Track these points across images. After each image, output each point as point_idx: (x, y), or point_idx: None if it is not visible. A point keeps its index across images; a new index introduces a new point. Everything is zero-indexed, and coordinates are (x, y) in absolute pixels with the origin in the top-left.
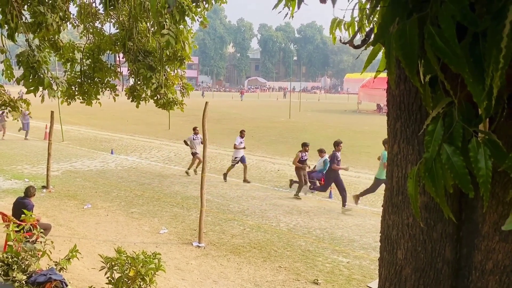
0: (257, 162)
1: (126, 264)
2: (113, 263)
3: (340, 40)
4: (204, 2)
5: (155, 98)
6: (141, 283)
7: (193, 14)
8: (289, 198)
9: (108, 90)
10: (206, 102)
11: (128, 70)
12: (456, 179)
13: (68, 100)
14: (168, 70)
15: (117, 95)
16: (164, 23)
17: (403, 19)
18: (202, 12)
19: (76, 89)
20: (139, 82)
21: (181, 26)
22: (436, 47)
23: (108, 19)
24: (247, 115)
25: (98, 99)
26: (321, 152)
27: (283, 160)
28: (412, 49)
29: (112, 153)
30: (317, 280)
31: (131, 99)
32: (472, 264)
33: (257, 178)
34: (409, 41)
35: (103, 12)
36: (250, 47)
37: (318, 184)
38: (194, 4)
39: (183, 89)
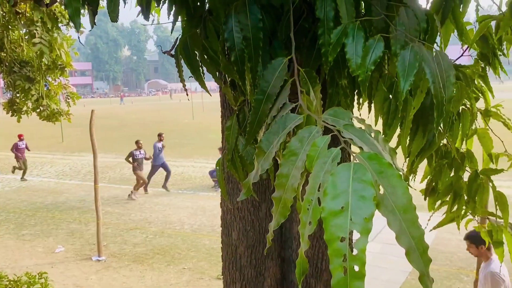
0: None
1: None
2: None
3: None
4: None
5: (38, 110)
6: None
7: (67, 21)
8: (193, 200)
9: None
10: (92, 110)
11: (4, 82)
12: (250, 165)
13: None
14: (50, 79)
15: None
16: (35, 31)
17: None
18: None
19: None
20: (17, 95)
21: (56, 34)
22: (209, 57)
23: None
24: (150, 119)
25: None
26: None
27: (187, 162)
28: (194, 58)
29: None
30: (220, 276)
31: (10, 113)
32: (292, 235)
33: (160, 183)
34: (191, 52)
35: None
36: (146, 49)
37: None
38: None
39: (68, 99)
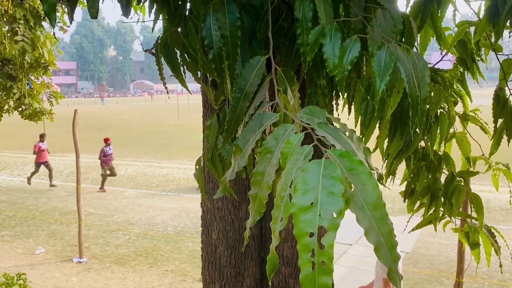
0: (144, 168)
1: None
2: None
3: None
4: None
5: (20, 109)
6: None
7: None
8: (177, 202)
9: None
10: (75, 110)
11: None
12: (230, 164)
13: None
14: (33, 78)
15: None
16: (17, 28)
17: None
18: (61, 17)
19: None
20: None
21: (39, 32)
22: (189, 56)
23: None
24: (134, 120)
25: None
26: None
27: (172, 164)
28: (175, 57)
29: None
30: None
31: None
32: None
33: (144, 185)
34: (171, 50)
35: None
36: (132, 49)
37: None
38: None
39: (51, 98)
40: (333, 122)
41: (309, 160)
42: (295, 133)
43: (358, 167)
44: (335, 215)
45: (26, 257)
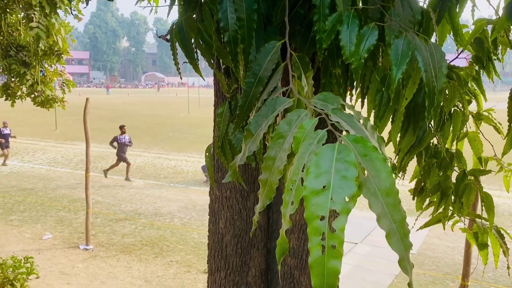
0: (153, 159)
1: None
2: None
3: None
4: None
5: (32, 96)
6: None
7: (66, 7)
8: (184, 194)
9: None
10: (87, 99)
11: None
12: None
13: None
14: (46, 65)
15: None
16: (33, 15)
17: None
18: (77, 5)
19: None
20: (13, 79)
21: (54, 20)
22: (204, 41)
23: None
24: (145, 112)
25: None
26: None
27: (180, 156)
28: (189, 42)
29: None
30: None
31: (4, 97)
32: (279, 227)
33: (152, 176)
34: (186, 35)
35: None
36: (145, 41)
37: None
38: None
39: (64, 86)
40: (347, 109)
41: (323, 145)
42: (309, 118)
43: (372, 153)
44: (347, 199)
45: (34, 242)
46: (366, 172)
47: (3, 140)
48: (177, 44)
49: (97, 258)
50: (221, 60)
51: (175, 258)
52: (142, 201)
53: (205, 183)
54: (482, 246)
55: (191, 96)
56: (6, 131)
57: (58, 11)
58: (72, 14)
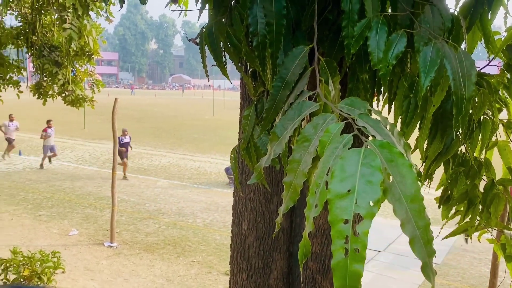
0: (177, 160)
1: (22, 264)
2: (7, 265)
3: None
4: None
5: (63, 95)
6: (39, 282)
7: (98, 9)
8: (207, 195)
9: (10, 86)
10: (116, 99)
11: (33, 65)
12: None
13: None
14: (77, 66)
15: (21, 92)
16: (66, 17)
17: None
18: (108, 8)
19: None
20: (45, 79)
21: (86, 21)
22: (232, 44)
23: (7, 11)
24: (170, 113)
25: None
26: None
27: (204, 157)
28: (218, 45)
29: (20, 154)
30: (228, 272)
31: (37, 96)
32: (302, 231)
33: (177, 176)
34: (215, 39)
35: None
36: (173, 44)
37: None
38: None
39: (93, 86)
40: (374, 115)
41: (348, 149)
42: (335, 122)
43: (398, 159)
44: (371, 204)
45: (61, 237)
46: (391, 177)
47: (124, 149)
48: (206, 47)
49: (121, 256)
50: (248, 64)
51: (197, 258)
52: (166, 201)
53: (228, 185)
54: (510, 258)
55: (216, 99)
56: (126, 140)
57: (90, 13)
58: (103, 16)
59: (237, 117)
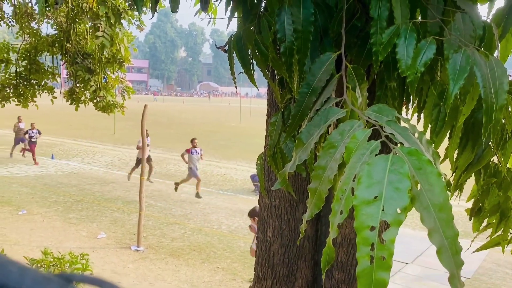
0: (204, 166)
1: (52, 265)
2: (38, 265)
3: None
4: (142, 8)
5: (94, 101)
6: None
7: (130, 17)
8: (232, 201)
9: (45, 92)
10: (145, 105)
11: (67, 72)
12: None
13: (2, 103)
14: (108, 73)
15: (55, 98)
16: (99, 25)
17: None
18: (139, 16)
19: (11, 91)
20: (78, 85)
21: (118, 29)
22: (261, 52)
23: (44, 20)
24: (197, 120)
25: (35, 101)
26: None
27: (230, 164)
28: (246, 53)
29: (52, 158)
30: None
31: (69, 101)
32: None
33: (203, 182)
34: (244, 46)
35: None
36: (202, 51)
37: None
38: (130, 8)
39: (124, 92)
40: (402, 122)
41: (375, 156)
42: (362, 129)
43: (426, 167)
44: (399, 211)
45: (89, 240)
46: (419, 185)
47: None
48: (234, 54)
49: (147, 260)
50: (275, 71)
51: (221, 265)
52: (192, 207)
53: (253, 192)
54: None
55: (243, 106)
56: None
57: (122, 21)
58: (135, 25)
59: (264, 125)
